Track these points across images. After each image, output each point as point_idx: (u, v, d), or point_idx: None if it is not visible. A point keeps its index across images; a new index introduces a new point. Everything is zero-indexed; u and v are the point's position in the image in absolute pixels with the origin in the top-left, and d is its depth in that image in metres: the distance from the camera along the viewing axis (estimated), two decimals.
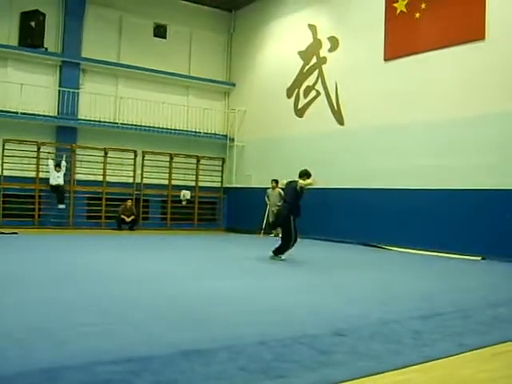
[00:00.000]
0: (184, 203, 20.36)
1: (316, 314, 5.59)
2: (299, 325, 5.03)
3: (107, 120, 19.09)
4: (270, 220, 17.57)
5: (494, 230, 12.20)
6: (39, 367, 3.52)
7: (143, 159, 19.73)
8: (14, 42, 17.80)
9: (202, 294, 6.59)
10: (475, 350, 4.48)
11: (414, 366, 3.97)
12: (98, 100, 18.85)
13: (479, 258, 12.19)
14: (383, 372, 3.79)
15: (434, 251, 13.00)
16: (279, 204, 17.32)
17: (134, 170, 19.58)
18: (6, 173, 17.48)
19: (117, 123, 19.22)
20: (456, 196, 13.03)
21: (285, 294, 6.93)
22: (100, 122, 18.91)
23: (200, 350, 4.06)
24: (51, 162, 17.83)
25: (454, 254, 12.59)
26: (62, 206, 17.87)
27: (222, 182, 21.49)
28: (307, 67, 18.10)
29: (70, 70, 18.63)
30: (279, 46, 19.35)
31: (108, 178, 19.19)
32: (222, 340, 4.38)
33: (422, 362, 4.06)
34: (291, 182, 11.02)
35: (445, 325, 5.33)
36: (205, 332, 4.67)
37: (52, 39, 18.43)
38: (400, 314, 5.74)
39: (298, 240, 10.64)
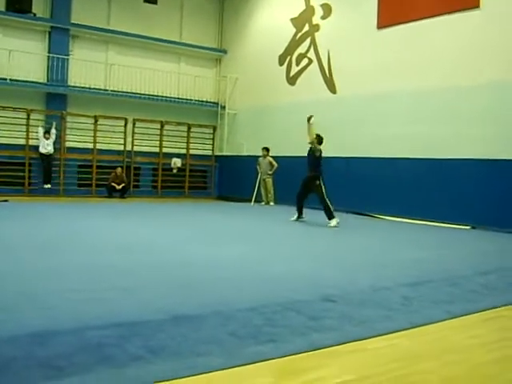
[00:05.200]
0: (175, 171, 20.35)
1: (306, 281, 5.61)
2: (289, 291, 5.03)
3: (98, 87, 18.91)
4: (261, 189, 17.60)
5: (485, 199, 12.25)
6: (28, 331, 3.51)
7: (134, 127, 19.59)
8: (1, 7, 17.43)
9: (192, 261, 6.59)
10: (464, 316, 4.52)
11: (402, 332, 4.01)
12: (89, 67, 18.62)
13: (469, 227, 12.27)
14: (372, 337, 3.83)
15: (425, 220, 13.06)
16: (270, 172, 17.41)
17: (125, 138, 19.44)
18: None
19: (107, 90, 19.03)
20: (447, 165, 13.04)
21: (275, 260, 6.95)
22: (90, 88, 18.72)
23: (190, 316, 4.07)
24: (41, 130, 17.67)
25: (445, 222, 12.66)
26: (47, 186, 17.81)
27: (213, 150, 21.42)
28: (299, 34, 17.90)
29: (60, 35, 18.34)
30: (271, 13, 19.10)
31: (98, 146, 19.04)
32: (212, 306, 4.39)
33: (411, 328, 4.10)
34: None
35: (434, 292, 5.38)
36: (195, 298, 4.68)
37: (40, 4, 18.08)
38: (390, 281, 5.77)
39: (286, 209, 10.70)
